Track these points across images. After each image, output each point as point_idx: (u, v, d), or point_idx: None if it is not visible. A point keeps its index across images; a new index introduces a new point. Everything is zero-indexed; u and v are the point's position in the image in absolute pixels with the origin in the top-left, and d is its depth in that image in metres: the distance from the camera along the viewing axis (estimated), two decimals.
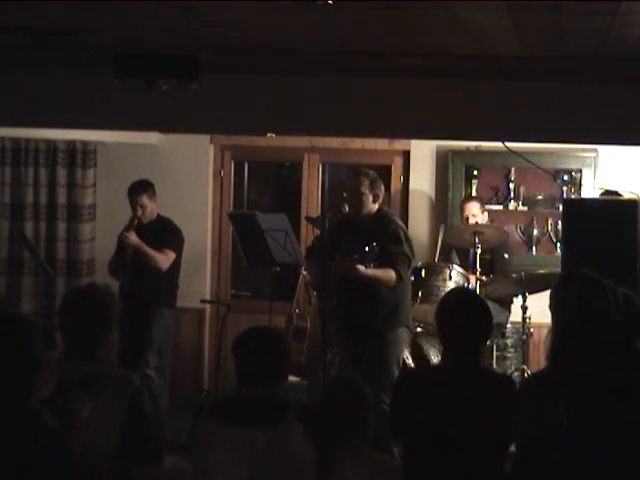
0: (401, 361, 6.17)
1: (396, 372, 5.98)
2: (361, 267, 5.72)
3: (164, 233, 6.97)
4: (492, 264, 7.19)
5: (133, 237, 6.84)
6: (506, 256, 7.21)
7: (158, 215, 7.05)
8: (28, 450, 2.91)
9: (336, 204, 6.27)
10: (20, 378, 2.95)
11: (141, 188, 6.95)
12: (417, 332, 6.80)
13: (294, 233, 6.87)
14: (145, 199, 6.92)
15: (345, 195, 6.17)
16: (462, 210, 7.32)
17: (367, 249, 5.67)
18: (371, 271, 5.79)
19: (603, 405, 2.50)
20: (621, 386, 2.52)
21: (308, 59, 5.13)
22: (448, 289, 6.78)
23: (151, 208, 6.96)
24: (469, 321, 3.88)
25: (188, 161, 8.03)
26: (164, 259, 6.87)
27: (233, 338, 3.73)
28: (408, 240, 6.03)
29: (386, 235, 5.96)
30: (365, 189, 6.02)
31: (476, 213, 7.19)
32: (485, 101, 5.50)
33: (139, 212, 6.89)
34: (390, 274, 5.90)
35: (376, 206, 6.08)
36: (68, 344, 3.69)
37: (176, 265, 7.00)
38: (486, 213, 7.34)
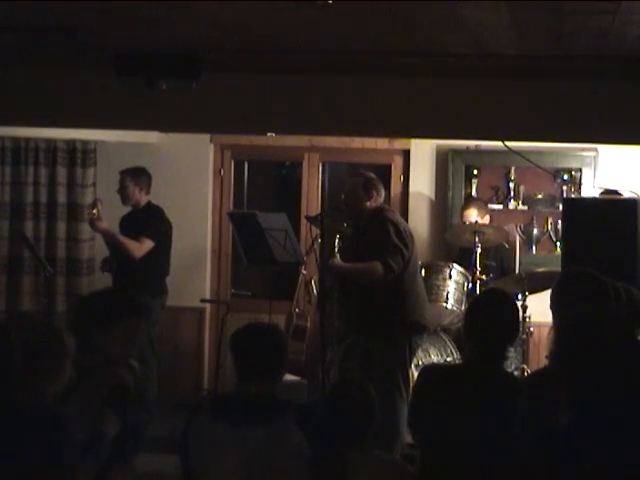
0: (406, 362, 6.15)
1: (399, 373, 5.97)
2: (336, 260, 5.79)
3: (144, 221, 6.96)
4: (501, 270, 7.17)
5: (100, 223, 6.83)
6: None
7: (148, 203, 7.06)
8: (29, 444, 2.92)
9: (334, 204, 6.30)
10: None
11: (129, 170, 7.05)
12: None
13: (294, 232, 6.88)
14: (128, 181, 6.99)
15: (343, 196, 6.21)
16: (461, 216, 7.29)
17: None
18: (349, 264, 5.80)
19: (607, 402, 2.51)
20: (624, 383, 2.53)
21: (308, 59, 5.13)
22: (448, 288, 6.79)
23: (133, 193, 6.98)
24: (499, 321, 3.88)
25: (188, 160, 8.03)
26: (137, 247, 6.82)
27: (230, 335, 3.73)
28: (399, 232, 5.95)
29: (375, 230, 5.97)
30: (359, 189, 6.04)
31: (475, 219, 7.12)
32: (485, 101, 5.50)
33: (118, 190, 6.98)
34: (374, 266, 5.85)
35: (373, 205, 6.07)
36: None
37: (158, 253, 6.93)
38: (487, 216, 7.28)
